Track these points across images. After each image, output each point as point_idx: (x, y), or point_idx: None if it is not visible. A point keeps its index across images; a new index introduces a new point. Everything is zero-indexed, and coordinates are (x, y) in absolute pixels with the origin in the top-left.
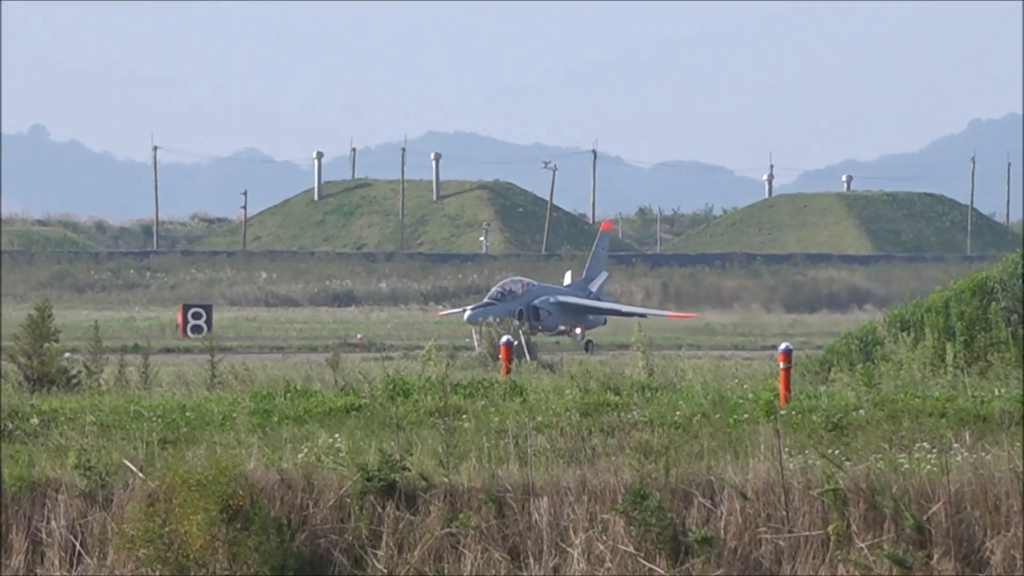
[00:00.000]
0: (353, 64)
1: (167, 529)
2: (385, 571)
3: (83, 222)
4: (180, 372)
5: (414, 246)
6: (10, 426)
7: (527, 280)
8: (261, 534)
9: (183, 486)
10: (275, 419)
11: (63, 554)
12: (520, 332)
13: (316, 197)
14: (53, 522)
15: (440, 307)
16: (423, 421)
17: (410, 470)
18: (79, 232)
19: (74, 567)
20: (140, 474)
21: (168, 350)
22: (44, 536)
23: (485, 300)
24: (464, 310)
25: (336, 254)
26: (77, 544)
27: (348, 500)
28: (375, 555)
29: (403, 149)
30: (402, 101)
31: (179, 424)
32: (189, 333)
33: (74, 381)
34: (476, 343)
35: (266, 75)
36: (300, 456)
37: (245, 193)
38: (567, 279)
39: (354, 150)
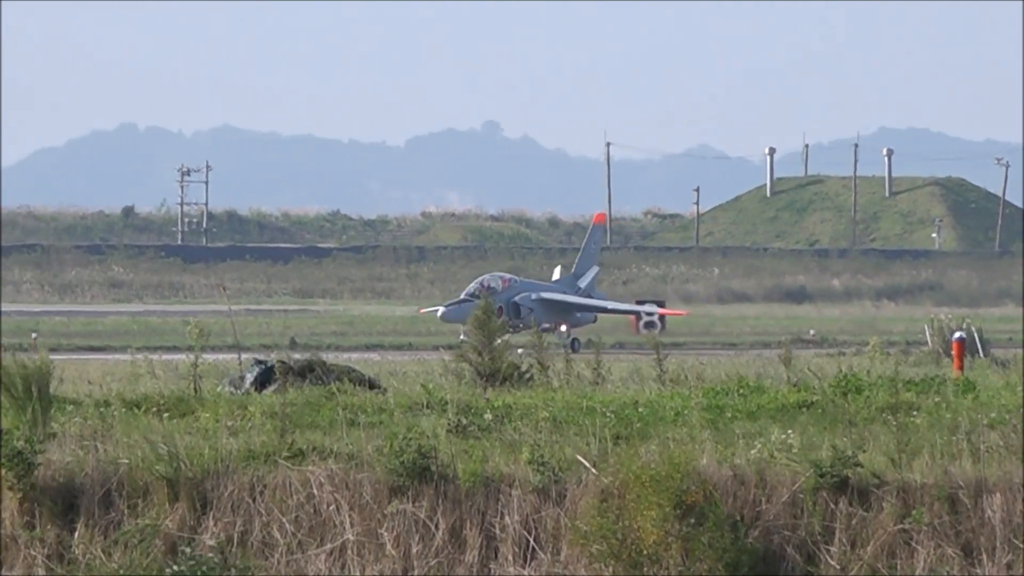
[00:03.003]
0: (800, 61)
1: (620, 525)
2: (838, 568)
3: (536, 218)
4: (634, 368)
5: (866, 242)
6: (464, 421)
7: (509, 275)
8: (714, 530)
9: (636, 482)
10: (727, 415)
11: (516, 549)
12: (973, 329)
13: (768, 194)
14: (507, 517)
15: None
16: (875, 418)
17: (862, 466)
18: (532, 228)
19: (527, 563)
20: (593, 470)
21: (620, 345)
22: (498, 531)
23: (461, 296)
24: (438, 308)
25: (788, 251)
26: (531, 539)
27: (801, 496)
28: (828, 551)
29: (855, 145)
30: (853, 97)
31: (632, 420)
32: (642, 329)
33: (526, 376)
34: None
35: (718, 72)
36: (752, 452)
37: (697, 189)
38: (556, 274)
39: (807, 147)
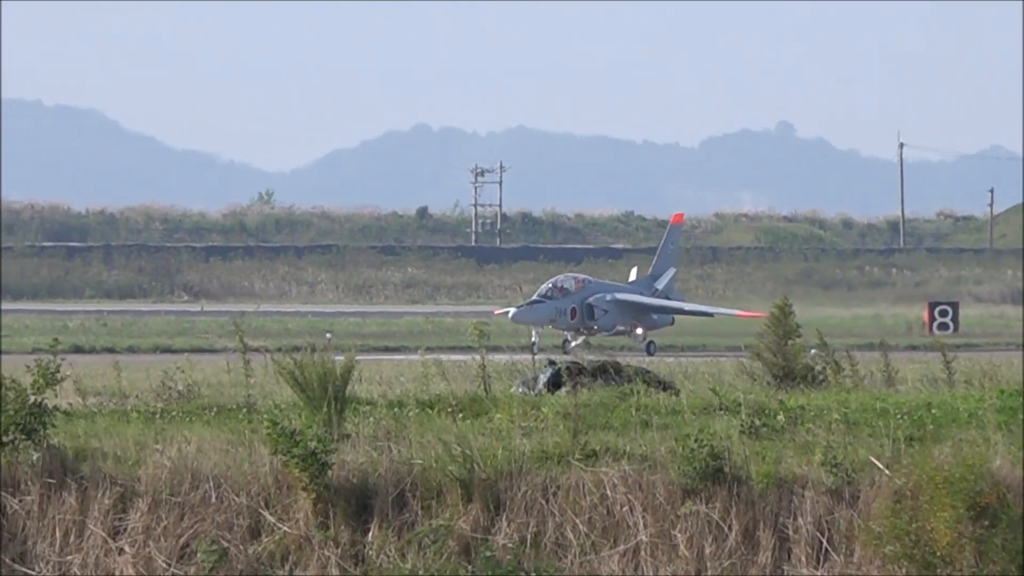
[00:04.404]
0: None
1: (914, 526)
2: None
3: (830, 219)
4: (927, 370)
5: None
6: (757, 423)
7: (583, 276)
8: (1008, 532)
9: (929, 483)
10: (1020, 416)
11: (810, 551)
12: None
13: None
14: (800, 518)
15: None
16: None
17: None
18: (825, 229)
19: (820, 564)
20: (886, 471)
21: (913, 347)
22: (791, 533)
23: (533, 297)
24: (509, 309)
25: None
26: (824, 541)
27: None
28: None
29: None
30: None
31: (925, 421)
32: (935, 330)
33: (820, 378)
34: (534, 341)
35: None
36: None
37: (991, 191)
38: (632, 275)
39: None
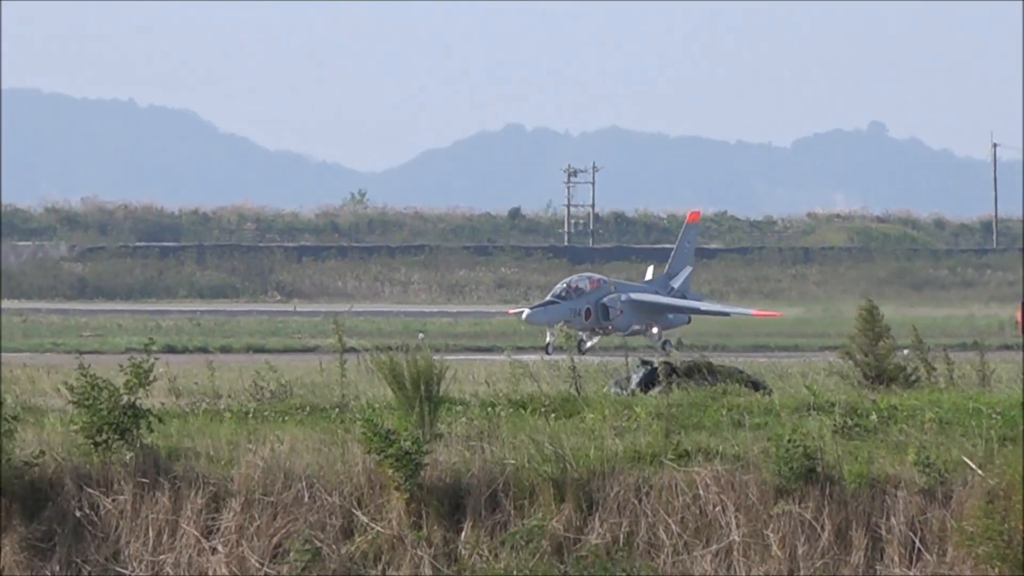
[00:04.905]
0: None
1: (1006, 527)
2: None
3: (923, 219)
4: (1020, 370)
5: None
6: (850, 423)
7: (598, 276)
8: None
9: (1023, 484)
10: None
11: (902, 551)
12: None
13: None
14: (892, 519)
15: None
16: None
17: None
18: (918, 229)
19: (913, 564)
20: (979, 471)
21: (1006, 347)
22: (883, 533)
23: (547, 298)
24: (523, 310)
25: None
26: (916, 541)
27: None
28: None
29: None
30: None
31: (1018, 421)
32: None
33: (912, 378)
34: (549, 342)
35: None
36: None
37: None
38: (648, 274)
39: None
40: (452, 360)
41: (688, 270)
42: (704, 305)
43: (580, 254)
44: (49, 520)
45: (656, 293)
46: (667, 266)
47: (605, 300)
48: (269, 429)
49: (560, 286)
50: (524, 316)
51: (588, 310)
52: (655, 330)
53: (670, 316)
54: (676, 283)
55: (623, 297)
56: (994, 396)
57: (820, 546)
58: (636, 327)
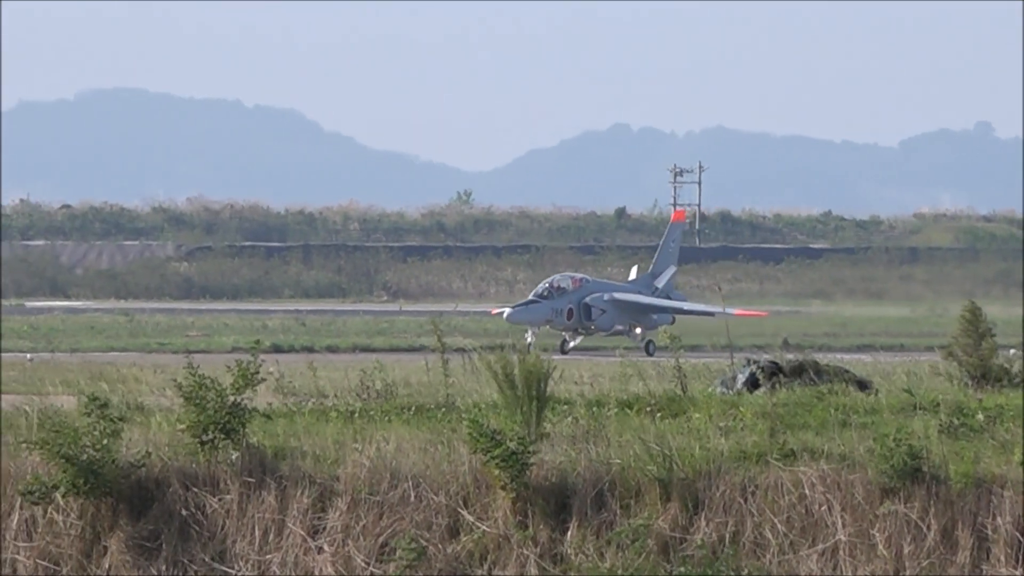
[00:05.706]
0: None
1: None
2: None
3: None
4: None
5: None
6: (955, 422)
7: (580, 275)
8: None
9: None
10: None
11: (1009, 551)
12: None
13: None
14: (999, 519)
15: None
16: None
17: None
18: None
19: (1019, 564)
20: None
21: None
22: (990, 532)
23: (529, 297)
24: (504, 309)
25: None
26: (1023, 541)
27: None
28: None
29: None
30: None
31: None
32: None
33: (1016, 379)
34: (530, 342)
35: None
36: None
37: None
38: (632, 274)
39: None
40: (558, 360)
41: (672, 270)
42: (688, 305)
43: (686, 254)
44: (155, 520)
45: (640, 293)
46: (651, 266)
47: (588, 299)
48: (375, 429)
49: (542, 285)
50: (505, 316)
51: (571, 310)
52: (638, 330)
53: (654, 316)
54: (660, 283)
55: (606, 297)
56: None
57: (926, 546)
58: (619, 327)
